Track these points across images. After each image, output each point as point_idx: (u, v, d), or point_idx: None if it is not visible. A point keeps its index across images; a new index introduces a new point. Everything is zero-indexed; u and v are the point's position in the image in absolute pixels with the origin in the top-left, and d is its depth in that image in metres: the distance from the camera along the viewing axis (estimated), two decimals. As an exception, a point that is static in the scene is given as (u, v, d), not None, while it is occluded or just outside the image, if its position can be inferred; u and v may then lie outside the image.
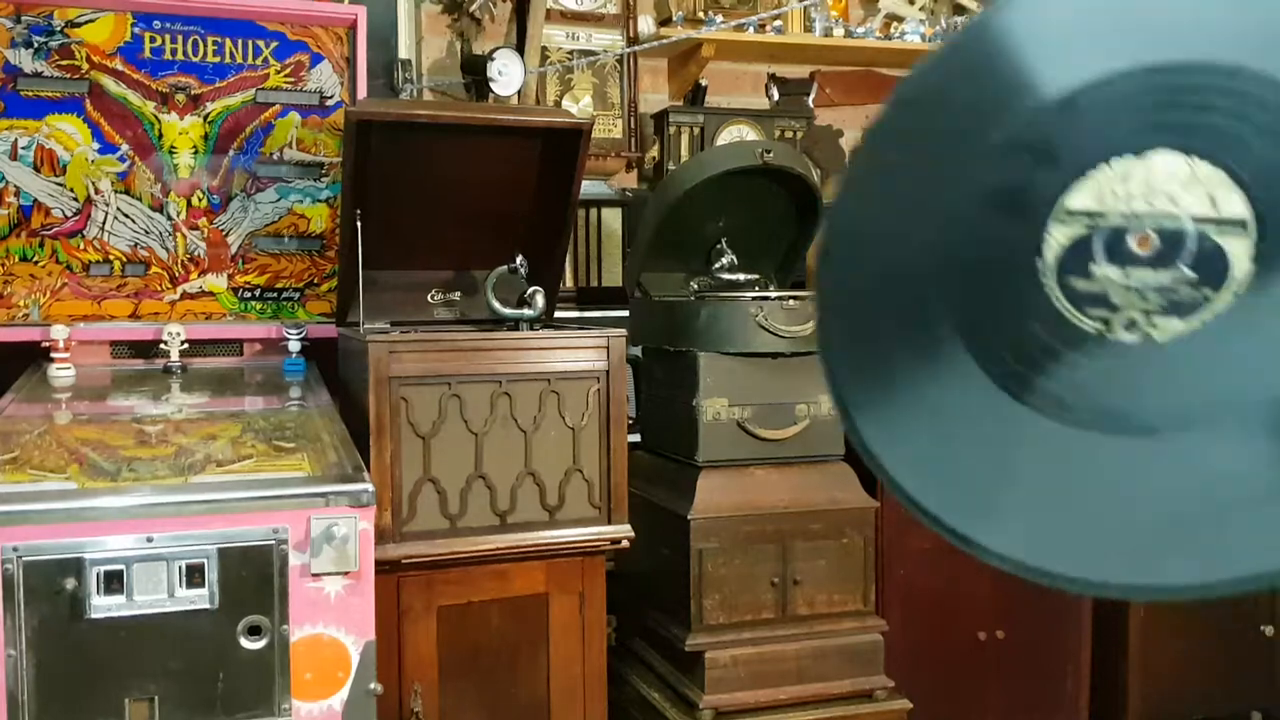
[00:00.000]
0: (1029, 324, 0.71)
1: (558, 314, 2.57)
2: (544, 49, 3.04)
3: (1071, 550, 0.67)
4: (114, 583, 1.46)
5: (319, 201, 2.45)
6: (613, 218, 3.05)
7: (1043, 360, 0.70)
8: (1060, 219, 0.69)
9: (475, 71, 2.77)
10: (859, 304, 0.75)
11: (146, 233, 2.36)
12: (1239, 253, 0.66)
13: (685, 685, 2.26)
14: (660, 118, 3.15)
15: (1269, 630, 2.47)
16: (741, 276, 2.54)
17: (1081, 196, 0.69)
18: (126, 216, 2.34)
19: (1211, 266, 0.67)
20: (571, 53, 3.11)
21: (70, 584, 1.43)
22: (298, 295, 2.47)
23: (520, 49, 2.84)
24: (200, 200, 2.38)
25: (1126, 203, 0.68)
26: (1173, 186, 0.68)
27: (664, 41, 3.11)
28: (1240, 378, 0.66)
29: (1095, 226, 0.69)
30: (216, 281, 2.41)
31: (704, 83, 3.27)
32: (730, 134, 3.14)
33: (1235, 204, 0.67)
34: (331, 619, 1.54)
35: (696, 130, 3.12)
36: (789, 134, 3.20)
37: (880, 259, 0.74)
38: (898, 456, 0.72)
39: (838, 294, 0.75)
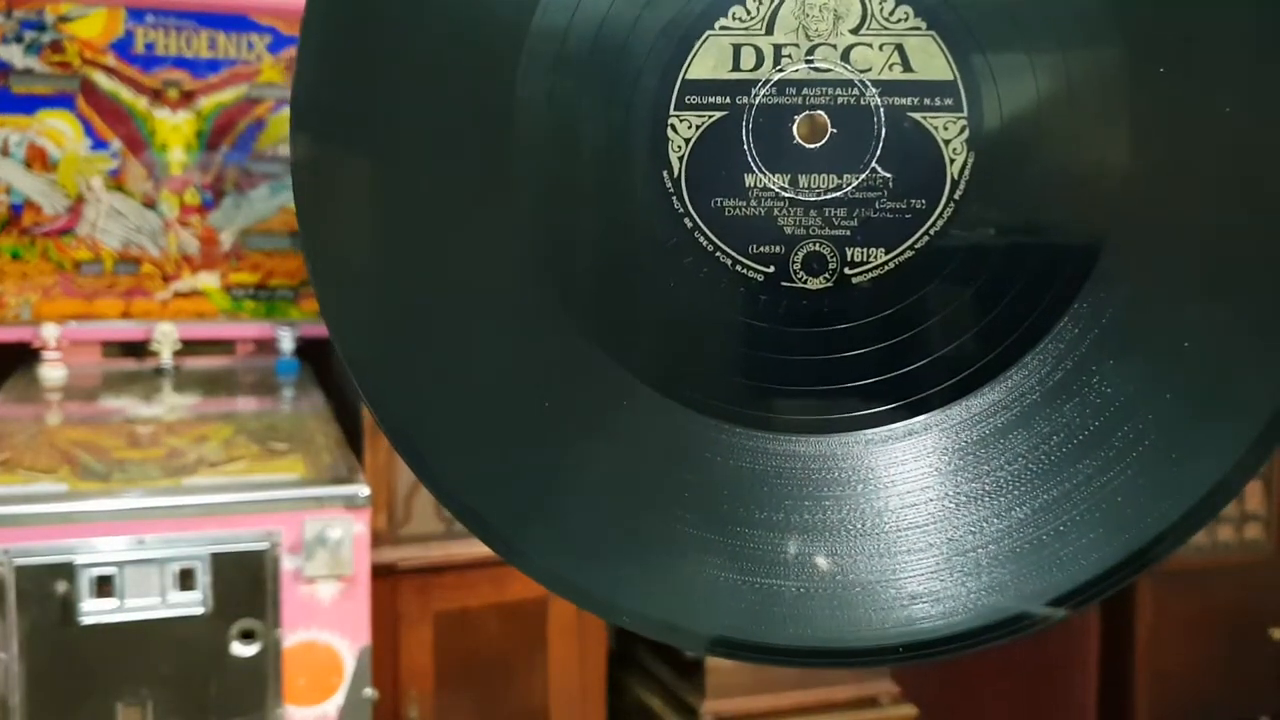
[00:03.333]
0: (665, 278, 0.46)
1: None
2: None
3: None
4: (105, 586, 1.44)
5: (314, 199, 2.42)
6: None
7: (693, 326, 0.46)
8: (683, 102, 0.45)
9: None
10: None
11: (138, 230, 2.33)
12: (953, 139, 0.44)
13: (686, 691, 2.24)
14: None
15: (1278, 634, 2.46)
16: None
17: (706, 60, 0.44)
18: (118, 214, 2.32)
19: (917, 162, 0.44)
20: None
21: (61, 587, 1.42)
22: (291, 294, 2.44)
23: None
24: (193, 197, 2.36)
25: (775, 63, 0.44)
26: (841, 34, 0.44)
27: None
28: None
29: (733, 105, 0.44)
30: (209, 280, 2.38)
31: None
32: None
33: (935, 60, 0.44)
34: (326, 624, 1.52)
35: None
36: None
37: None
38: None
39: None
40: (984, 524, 0.46)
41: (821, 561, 0.46)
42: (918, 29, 0.44)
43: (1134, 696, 2.50)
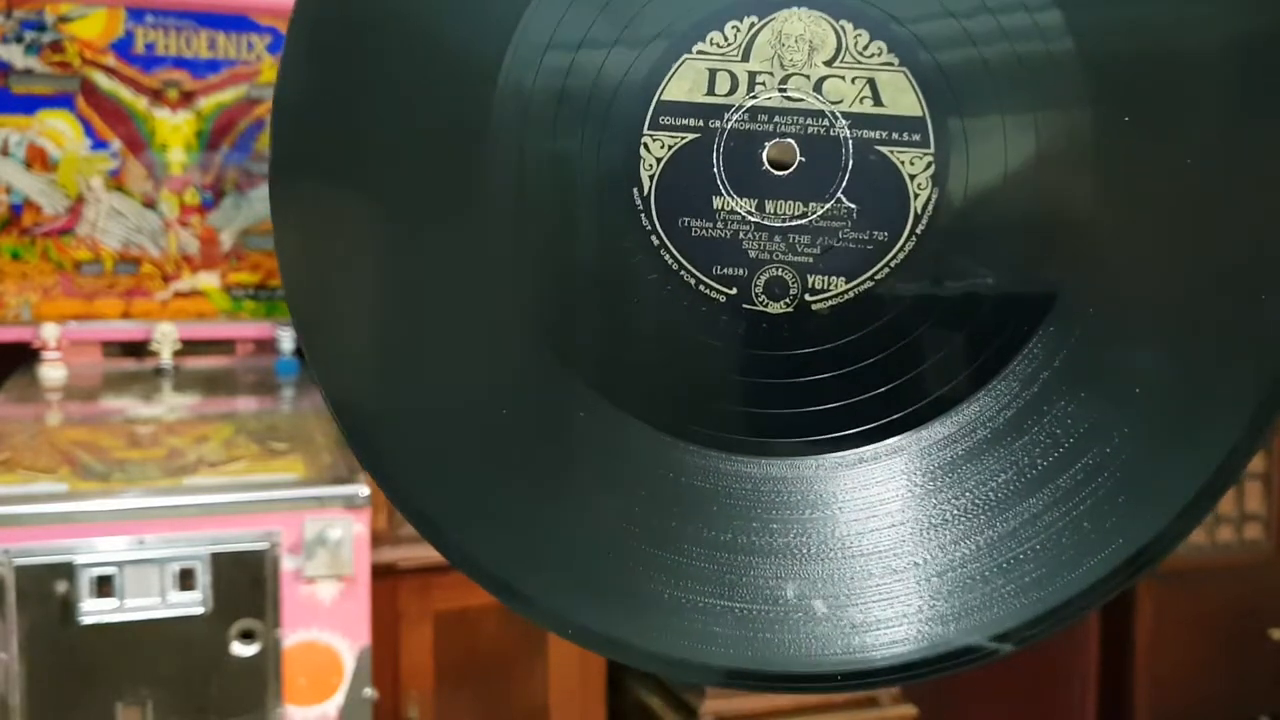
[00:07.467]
0: (630, 294, 0.46)
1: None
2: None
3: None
4: (105, 586, 1.44)
5: (314, 199, 2.42)
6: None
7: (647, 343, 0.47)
8: (657, 122, 0.45)
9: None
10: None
11: (138, 230, 2.33)
12: (918, 174, 0.44)
13: (686, 691, 2.24)
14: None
15: (1278, 634, 2.45)
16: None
17: (682, 83, 0.45)
18: (118, 214, 2.32)
19: (881, 195, 0.45)
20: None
21: (61, 587, 1.42)
22: (292, 294, 2.43)
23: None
24: (193, 197, 2.36)
25: (749, 90, 0.45)
26: (815, 66, 0.44)
27: None
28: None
29: (706, 128, 0.45)
30: (209, 280, 2.38)
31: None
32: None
33: (906, 96, 0.44)
34: (326, 624, 1.52)
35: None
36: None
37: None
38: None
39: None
40: (929, 557, 0.46)
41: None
42: (890, 64, 0.44)
43: (1134, 696, 2.50)
